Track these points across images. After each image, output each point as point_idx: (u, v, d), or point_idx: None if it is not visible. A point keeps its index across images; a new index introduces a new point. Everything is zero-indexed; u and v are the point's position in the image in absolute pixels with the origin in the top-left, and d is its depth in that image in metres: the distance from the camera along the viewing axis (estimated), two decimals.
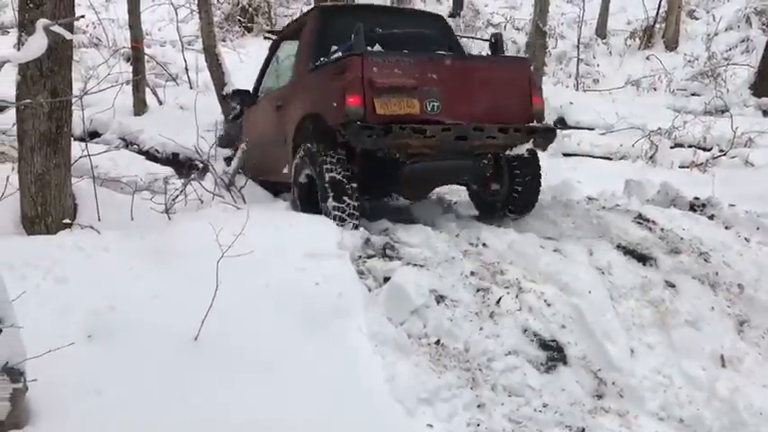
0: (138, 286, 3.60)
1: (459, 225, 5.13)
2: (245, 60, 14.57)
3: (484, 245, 4.77)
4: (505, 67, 5.33)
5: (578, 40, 15.28)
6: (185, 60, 12.93)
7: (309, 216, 4.77)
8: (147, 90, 10.66)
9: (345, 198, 4.66)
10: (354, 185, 4.70)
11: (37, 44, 2.60)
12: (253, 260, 3.72)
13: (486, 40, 5.97)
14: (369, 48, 4.87)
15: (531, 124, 5.00)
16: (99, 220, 4.98)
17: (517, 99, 5.03)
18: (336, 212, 4.64)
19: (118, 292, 3.51)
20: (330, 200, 4.65)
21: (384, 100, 4.49)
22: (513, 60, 6.62)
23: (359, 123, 4.45)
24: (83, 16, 2.62)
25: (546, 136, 5.18)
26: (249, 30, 16.89)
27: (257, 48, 15.70)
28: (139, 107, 10.31)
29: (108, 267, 3.76)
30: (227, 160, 7.01)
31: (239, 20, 16.94)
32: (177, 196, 5.22)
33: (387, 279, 4.11)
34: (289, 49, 6.23)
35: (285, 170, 5.51)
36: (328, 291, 3.75)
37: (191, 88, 12.73)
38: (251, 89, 6.81)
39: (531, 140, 5.01)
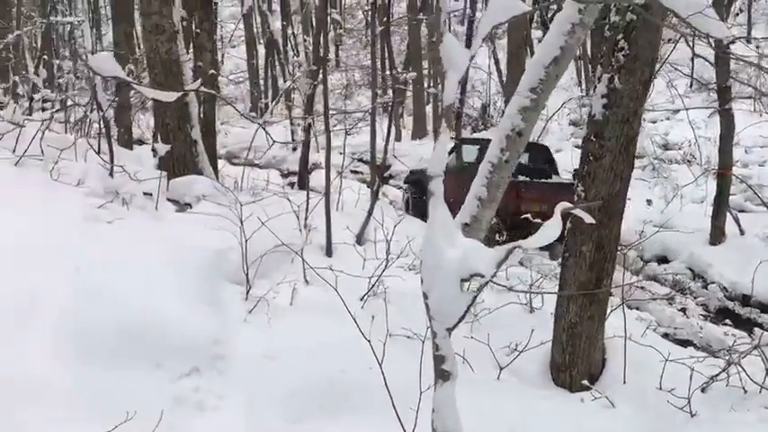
0: None
1: None
2: None
3: None
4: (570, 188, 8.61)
5: None
6: None
7: None
8: (729, 217, 9.76)
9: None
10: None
11: (554, 229, 2.52)
12: None
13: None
14: None
15: None
16: (624, 382, 4.60)
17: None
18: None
19: None
20: None
21: (525, 206, 8.79)
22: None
23: (511, 216, 8.48)
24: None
25: None
26: None
27: None
28: (716, 235, 9.61)
29: None
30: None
31: None
32: (718, 375, 4.40)
33: None
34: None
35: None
36: None
37: None
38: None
39: None
